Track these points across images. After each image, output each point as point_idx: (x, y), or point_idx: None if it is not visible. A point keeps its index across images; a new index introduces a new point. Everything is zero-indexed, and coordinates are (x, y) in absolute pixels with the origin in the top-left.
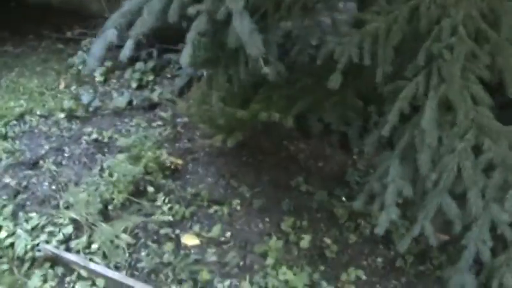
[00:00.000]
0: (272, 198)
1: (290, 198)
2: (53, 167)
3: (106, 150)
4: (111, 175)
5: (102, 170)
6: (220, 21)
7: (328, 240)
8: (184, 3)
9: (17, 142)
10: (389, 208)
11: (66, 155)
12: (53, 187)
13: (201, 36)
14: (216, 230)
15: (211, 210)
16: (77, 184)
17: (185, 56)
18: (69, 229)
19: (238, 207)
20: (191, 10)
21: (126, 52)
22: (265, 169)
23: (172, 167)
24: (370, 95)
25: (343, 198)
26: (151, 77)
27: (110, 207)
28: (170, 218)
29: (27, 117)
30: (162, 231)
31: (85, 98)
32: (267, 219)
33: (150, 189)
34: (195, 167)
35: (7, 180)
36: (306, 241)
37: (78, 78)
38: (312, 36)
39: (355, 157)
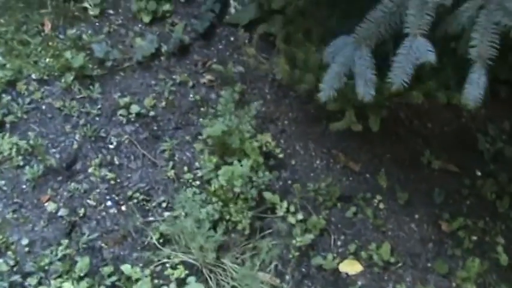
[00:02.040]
0: (408, 184)
1: (431, 182)
2: (105, 172)
3: (161, 132)
4: (208, 182)
5: (181, 170)
6: None
7: (501, 241)
8: None
9: (23, 131)
10: None
11: (110, 146)
12: (124, 208)
13: None
14: (373, 245)
15: (348, 213)
16: (157, 202)
17: None
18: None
19: (382, 205)
20: None
21: None
22: (378, 141)
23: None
24: None
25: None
26: (167, 6)
27: (227, 237)
28: (309, 236)
29: (21, 86)
30: (314, 262)
31: (97, 48)
32: (416, 216)
33: (267, 195)
34: (288, 145)
35: (49, 208)
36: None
37: (65, 13)
38: None
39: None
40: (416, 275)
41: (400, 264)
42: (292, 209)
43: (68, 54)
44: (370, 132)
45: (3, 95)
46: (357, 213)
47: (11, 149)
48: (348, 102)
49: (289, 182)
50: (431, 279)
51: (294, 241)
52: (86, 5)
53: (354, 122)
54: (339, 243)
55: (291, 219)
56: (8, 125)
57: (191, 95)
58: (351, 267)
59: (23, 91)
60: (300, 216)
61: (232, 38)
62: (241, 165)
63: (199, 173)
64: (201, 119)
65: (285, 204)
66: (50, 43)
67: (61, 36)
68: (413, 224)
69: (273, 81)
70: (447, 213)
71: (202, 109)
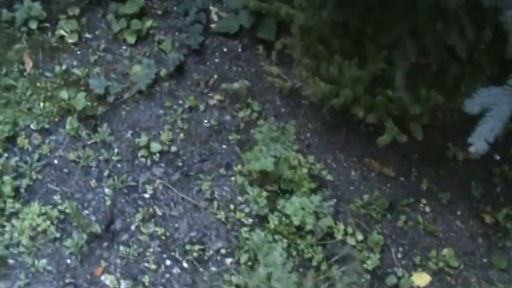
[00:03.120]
0: (441, 181)
1: (461, 175)
2: (151, 228)
3: (188, 167)
4: (264, 219)
5: (227, 209)
6: None
7: None
8: None
9: (44, 195)
10: None
11: (145, 195)
12: (185, 265)
13: None
14: (433, 252)
15: (399, 223)
16: (214, 250)
17: None
18: None
19: (427, 208)
20: None
21: None
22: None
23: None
24: None
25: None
26: (149, 22)
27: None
28: (375, 255)
29: (22, 140)
30: (389, 283)
31: (96, 84)
32: (458, 213)
33: (325, 220)
34: (319, 159)
35: (108, 281)
36: None
37: (42, 45)
38: None
39: None
40: (478, 274)
41: (462, 267)
42: (349, 230)
43: (63, 95)
44: None
45: (6, 155)
46: (407, 221)
47: (43, 220)
48: (386, 114)
49: (335, 200)
50: (494, 276)
51: (362, 264)
52: (61, 32)
53: (398, 133)
54: (399, 255)
55: (351, 241)
56: (23, 191)
57: (205, 121)
58: (420, 279)
59: (26, 146)
60: (359, 237)
61: (225, 49)
62: (297, 196)
63: (248, 209)
64: (225, 146)
65: (341, 226)
66: (38, 83)
67: (47, 74)
68: (458, 221)
69: (280, 92)
70: (486, 205)
71: (221, 135)
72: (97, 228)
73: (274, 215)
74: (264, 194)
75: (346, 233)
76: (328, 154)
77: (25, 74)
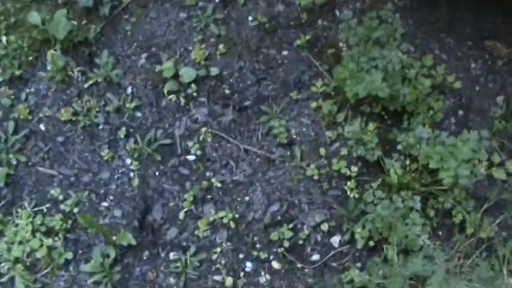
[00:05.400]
0: None
1: None
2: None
3: (261, 102)
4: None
5: None
6: None
7: None
8: None
9: (32, 192)
10: None
11: None
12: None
13: None
14: None
15: None
16: None
17: None
18: None
19: None
20: None
21: None
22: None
23: None
24: None
25: None
26: None
27: None
28: None
29: None
30: None
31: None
32: None
33: None
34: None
35: None
36: None
37: None
38: None
39: None
40: None
41: None
42: (495, 159)
43: (34, 18)
44: None
45: None
46: None
47: (43, 237)
48: None
49: (461, 112)
50: None
51: None
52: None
53: None
54: None
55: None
56: (2, 188)
57: (250, 18)
58: None
59: None
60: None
61: None
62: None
63: (346, 151)
64: (286, 53)
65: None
66: None
67: None
68: None
69: None
70: None
71: (276, 35)
72: (129, 238)
73: (391, 157)
74: (371, 125)
75: (491, 164)
76: (430, 39)
77: None
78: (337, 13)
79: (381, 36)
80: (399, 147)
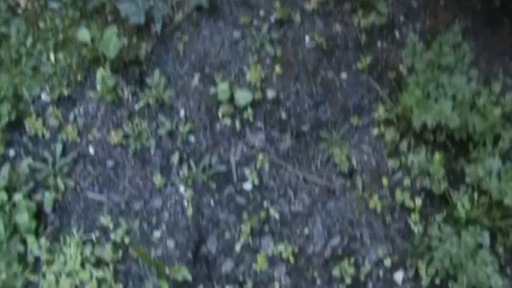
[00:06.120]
0: None
1: None
2: None
3: (320, 127)
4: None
5: None
6: None
7: None
8: None
9: (80, 219)
10: None
11: None
12: None
13: None
14: None
15: None
16: None
17: None
18: None
19: None
20: None
21: None
22: None
23: None
24: None
25: None
26: None
27: None
28: None
29: (32, 121)
30: None
31: (129, 7)
32: None
33: None
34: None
35: None
36: None
37: None
38: None
39: None
40: None
41: None
42: None
43: (83, 35)
44: None
45: (12, 152)
46: None
47: (93, 268)
48: None
49: None
50: None
51: None
52: None
53: None
54: None
55: None
56: (50, 214)
57: (307, 38)
58: None
59: (40, 131)
60: None
61: None
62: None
63: (408, 181)
64: (345, 76)
65: None
66: (41, 23)
67: (52, 5)
68: None
69: None
70: None
71: (335, 57)
72: (184, 272)
73: (458, 189)
74: (437, 156)
75: None
76: (494, 63)
77: (19, 11)
78: (397, 34)
79: (449, 63)
80: (467, 179)
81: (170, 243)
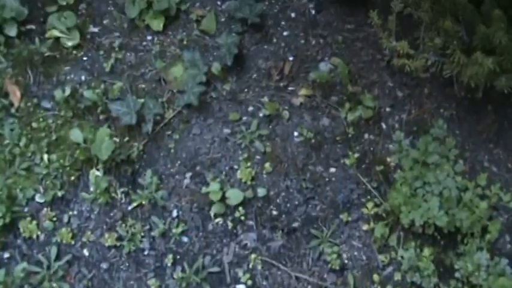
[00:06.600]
0: None
1: None
2: None
3: (310, 224)
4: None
5: None
6: None
7: None
8: None
9: None
10: None
11: None
12: None
13: None
14: None
15: None
16: None
17: None
18: None
19: None
20: None
21: None
22: None
23: None
24: None
25: None
26: None
27: None
28: None
29: (26, 224)
30: None
31: (121, 108)
32: None
33: None
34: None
35: None
36: None
37: (30, 60)
38: None
39: None
40: None
41: None
42: None
43: (76, 135)
44: None
45: (6, 255)
46: None
47: None
48: None
49: None
50: None
51: None
52: (55, 33)
53: None
54: None
55: None
56: None
57: (295, 133)
58: None
59: (35, 233)
60: None
61: (292, 14)
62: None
63: (399, 277)
64: (334, 170)
65: None
66: (34, 123)
67: (45, 105)
68: None
69: (387, 67)
70: None
71: (323, 151)
72: None
73: (448, 284)
74: (426, 250)
75: None
76: (479, 151)
77: (12, 110)
78: (383, 126)
79: (435, 160)
80: (457, 274)
81: None
